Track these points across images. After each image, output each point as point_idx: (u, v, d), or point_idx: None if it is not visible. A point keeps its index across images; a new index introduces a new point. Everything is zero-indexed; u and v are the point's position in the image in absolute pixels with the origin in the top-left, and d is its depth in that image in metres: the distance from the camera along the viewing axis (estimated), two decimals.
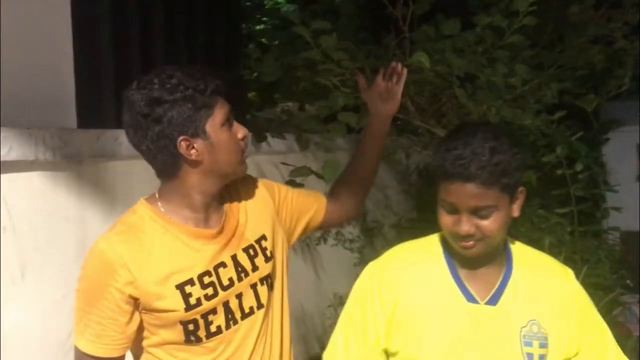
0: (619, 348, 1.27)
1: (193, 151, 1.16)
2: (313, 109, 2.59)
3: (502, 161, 1.10)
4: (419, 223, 4.33)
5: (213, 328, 1.19)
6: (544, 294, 1.21)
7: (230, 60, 2.45)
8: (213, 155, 1.17)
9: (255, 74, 2.25)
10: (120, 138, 1.76)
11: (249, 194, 1.31)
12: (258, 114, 3.02)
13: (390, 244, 4.51)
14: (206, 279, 1.18)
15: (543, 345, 1.17)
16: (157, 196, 1.24)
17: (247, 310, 1.23)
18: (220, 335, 1.20)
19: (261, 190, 1.34)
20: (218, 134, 1.17)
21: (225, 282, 1.21)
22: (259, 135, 2.49)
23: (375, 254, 4.21)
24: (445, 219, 1.15)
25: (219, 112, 1.16)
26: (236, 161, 1.21)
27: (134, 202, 1.80)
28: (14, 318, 1.48)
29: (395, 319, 1.20)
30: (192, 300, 1.16)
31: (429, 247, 1.26)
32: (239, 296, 1.22)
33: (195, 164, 1.18)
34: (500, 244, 1.21)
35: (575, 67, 3.04)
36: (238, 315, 1.22)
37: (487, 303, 1.18)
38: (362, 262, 3.71)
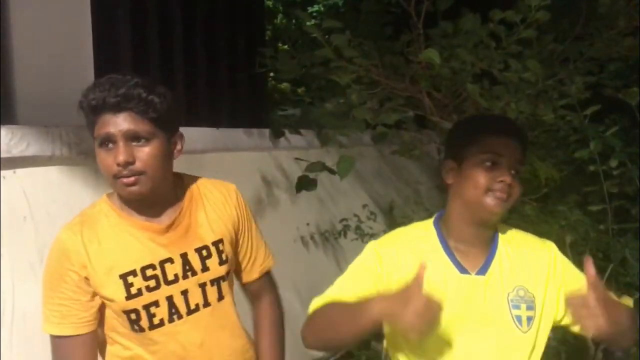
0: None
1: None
2: (330, 106, 2.64)
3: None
4: None
5: (156, 320, 1.24)
6: (528, 263, 1.34)
7: (249, 59, 2.53)
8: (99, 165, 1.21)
9: (271, 73, 2.30)
10: None
11: (214, 197, 1.34)
12: (277, 111, 3.09)
13: None
14: (149, 272, 1.23)
15: (530, 308, 1.30)
16: (113, 194, 1.29)
17: (192, 307, 1.27)
18: (162, 328, 1.25)
19: (229, 199, 1.36)
20: (96, 149, 1.19)
21: (170, 277, 1.25)
22: (276, 131, 2.56)
23: None
24: (482, 176, 1.27)
25: (98, 131, 1.16)
26: (110, 180, 1.20)
27: None
28: (32, 300, 1.61)
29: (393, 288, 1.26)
30: (133, 290, 1.21)
31: (423, 228, 1.39)
32: (185, 292, 1.26)
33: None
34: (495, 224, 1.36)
35: (609, 59, 2.95)
36: (183, 310, 1.26)
37: (477, 273, 1.31)
38: None
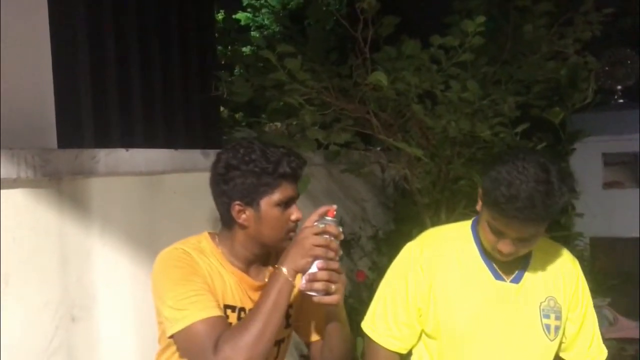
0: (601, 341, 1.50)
1: (243, 216, 1.40)
2: (283, 127, 2.74)
3: (555, 203, 1.25)
4: (396, 235, 4.48)
5: None
6: (559, 274, 1.42)
7: (203, 82, 2.60)
8: (259, 225, 1.39)
9: (225, 95, 2.39)
10: (98, 156, 1.89)
11: None
12: (232, 133, 3.17)
13: (367, 254, 4.65)
14: (242, 314, 1.40)
15: (558, 318, 1.39)
16: (217, 236, 1.48)
17: None
18: None
19: None
20: (269, 210, 1.38)
21: None
22: None
23: (353, 264, 4.35)
24: (489, 236, 1.33)
25: (278, 194, 1.37)
26: (277, 238, 1.40)
27: (111, 216, 1.94)
28: None
29: (433, 293, 1.40)
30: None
31: (461, 233, 1.46)
32: None
33: (242, 227, 1.42)
34: None
35: (534, 81, 3.23)
36: None
37: (512, 281, 1.39)
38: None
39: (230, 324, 1.37)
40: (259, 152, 1.38)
